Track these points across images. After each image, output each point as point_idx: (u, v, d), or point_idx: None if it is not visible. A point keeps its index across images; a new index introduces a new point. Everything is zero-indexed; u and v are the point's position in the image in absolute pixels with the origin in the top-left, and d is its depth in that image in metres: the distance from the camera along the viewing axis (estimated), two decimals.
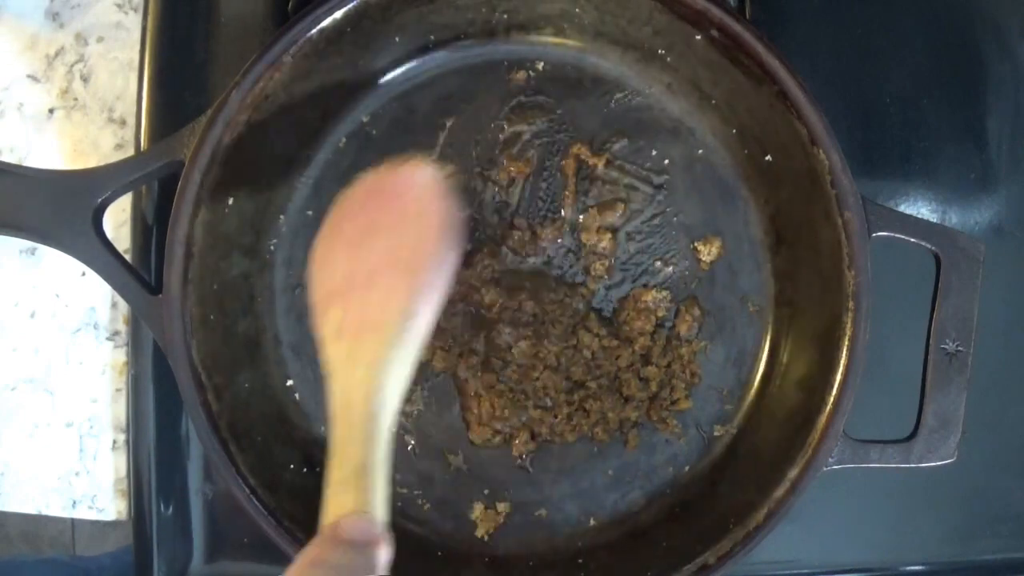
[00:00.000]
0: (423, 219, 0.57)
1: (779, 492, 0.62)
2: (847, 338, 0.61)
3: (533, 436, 0.70)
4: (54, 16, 0.73)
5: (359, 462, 0.51)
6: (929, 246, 0.62)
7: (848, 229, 0.61)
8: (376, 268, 0.55)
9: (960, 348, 0.61)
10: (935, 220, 0.74)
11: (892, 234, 0.62)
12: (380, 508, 0.50)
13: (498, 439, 0.70)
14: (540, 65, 0.70)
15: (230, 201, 0.65)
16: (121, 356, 0.73)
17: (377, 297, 0.54)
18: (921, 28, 0.75)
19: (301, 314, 0.70)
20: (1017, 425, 0.75)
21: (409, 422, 0.70)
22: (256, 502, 0.62)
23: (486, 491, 0.70)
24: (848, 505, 0.73)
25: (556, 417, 0.69)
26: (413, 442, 0.70)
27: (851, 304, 0.61)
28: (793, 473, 0.62)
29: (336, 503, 0.51)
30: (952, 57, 0.75)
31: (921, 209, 0.74)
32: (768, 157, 0.67)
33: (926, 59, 0.75)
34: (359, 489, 0.51)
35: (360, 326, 0.54)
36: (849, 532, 0.74)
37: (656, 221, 0.70)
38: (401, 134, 0.70)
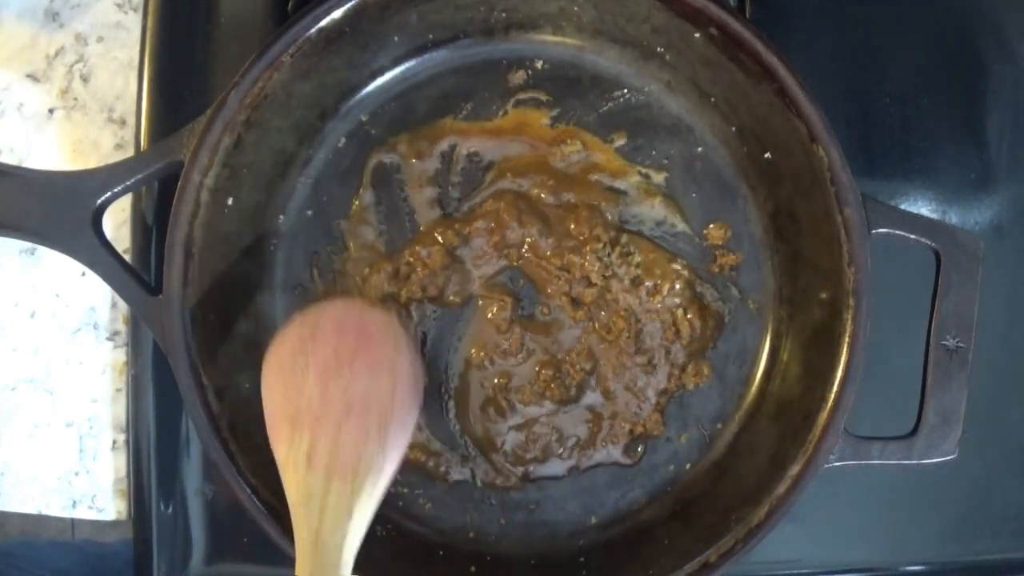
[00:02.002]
0: (396, 370, 0.58)
1: (780, 489, 0.62)
2: (847, 335, 0.61)
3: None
4: (54, 16, 0.73)
5: None
6: (929, 243, 0.61)
7: (848, 226, 0.61)
8: (349, 407, 0.56)
9: (960, 344, 0.61)
10: (935, 219, 0.74)
11: (892, 231, 0.62)
12: None
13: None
14: (539, 64, 0.70)
15: (230, 201, 0.65)
16: (121, 356, 0.72)
17: (350, 439, 0.55)
18: (921, 28, 0.75)
19: None
20: (1017, 425, 0.75)
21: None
22: (257, 502, 0.62)
23: (487, 490, 0.70)
24: (848, 505, 0.73)
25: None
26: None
27: (851, 301, 0.61)
28: (794, 470, 0.62)
29: None
30: (952, 57, 0.75)
31: (921, 209, 0.74)
32: (767, 155, 0.67)
33: (926, 59, 0.75)
34: None
35: (331, 465, 0.54)
36: (849, 532, 0.74)
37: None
38: (400, 133, 0.70)
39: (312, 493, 0.54)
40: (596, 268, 0.69)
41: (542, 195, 0.70)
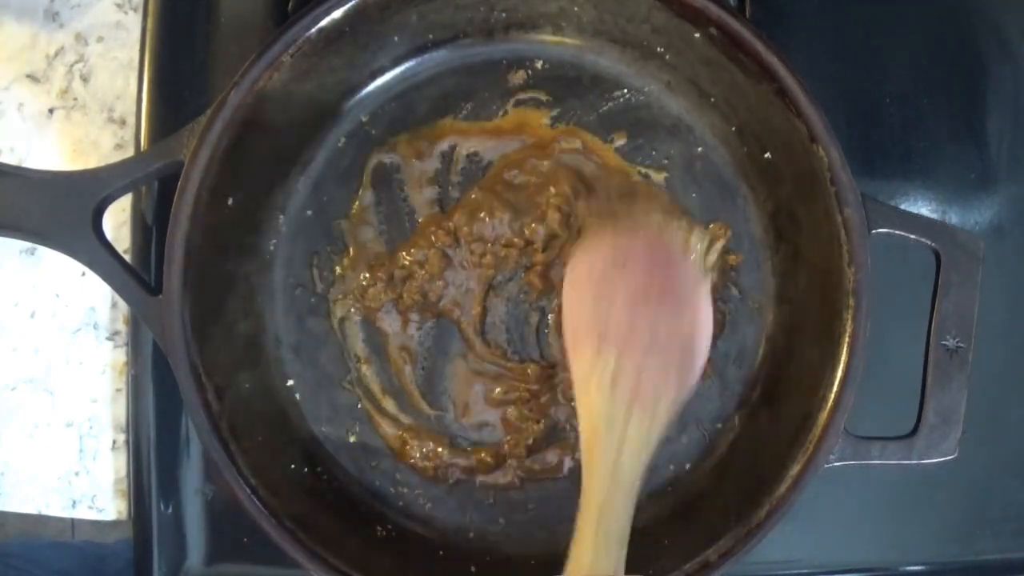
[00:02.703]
0: (697, 314, 0.58)
1: (780, 489, 0.62)
2: (847, 335, 0.61)
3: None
4: (54, 16, 0.73)
5: (619, 532, 0.53)
6: (929, 243, 0.61)
7: (848, 226, 0.61)
8: (656, 340, 0.56)
9: (960, 344, 0.61)
10: (935, 219, 0.74)
11: (892, 231, 0.62)
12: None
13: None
14: (539, 64, 0.70)
15: (230, 201, 0.65)
16: (121, 356, 0.72)
17: (654, 371, 0.55)
18: (921, 28, 0.75)
19: (301, 314, 0.70)
20: (1017, 425, 0.75)
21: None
22: (257, 502, 0.62)
23: (488, 490, 0.70)
24: (848, 505, 0.73)
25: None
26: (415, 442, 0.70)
27: (851, 301, 0.61)
28: (794, 470, 0.62)
29: (588, 567, 0.52)
30: (952, 57, 0.75)
31: (921, 209, 0.74)
32: (767, 155, 0.67)
33: (926, 59, 0.75)
34: (616, 560, 0.52)
35: (636, 393, 0.54)
36: (849, 532, 0.74)
37: None
38: (400, 133, 0.70)
39: (614, 418, 0.54)
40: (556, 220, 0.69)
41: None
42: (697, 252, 0.60)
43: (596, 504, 0.52)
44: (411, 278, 0.69)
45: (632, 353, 0.55)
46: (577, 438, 0.69)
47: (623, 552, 0.52)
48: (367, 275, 0.69)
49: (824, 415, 0.61)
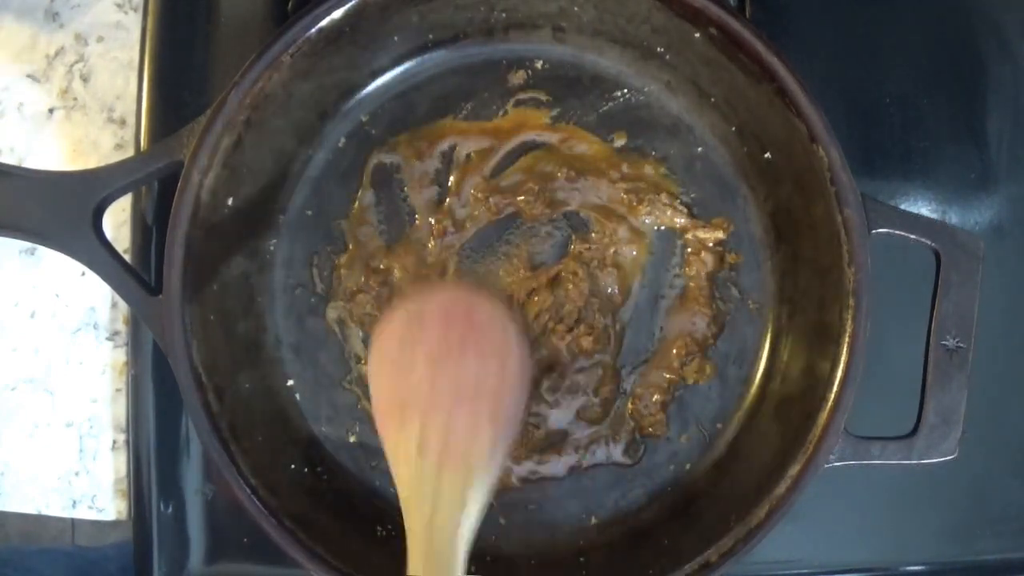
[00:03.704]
0: (505, 358, 0.57)
1: (780, 489, 0.62)
2: (847, 335, 0.61)
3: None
4: (54, 16, 0.73)
5: None
6: (929, 243, 0.61)
7: (848, 226, 0.61)
8: (461, 392, 0.55)
9: (960, 344, 0.61)
10: (935, 219, 0.74)
11: (892, 231, 0.62)
12: None
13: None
14: (539, 64, 0.70)
15: (230, 201, 0.65)
16: (121, 356, 0.73)
17: (461, 427, 0.54)
18: (921, 28, 0.75)
19: (301, 314, 0.70)
20: (1017, 425, 0.75)
21: None
22: (257, 502, 0.62)
23: None
24: (848, 505, 0.73)
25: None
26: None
27: (851, 301, 0.61)
28: (794, 470, 0.61)
29: None
30: (952, 57, 0.75)
31: (921, 209, 0.74)
32: (767, 155, 0.67)
33: (926, 59, 0.75)
34: None
35: (445, 454, 0.53)
36: (849, 532, 0.74)
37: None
38: (400, 133, 0.70)
39: (424, 483, 0.53)
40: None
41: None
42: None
43: (420, 570, 0.51)
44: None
45: (436, 415, 0.54)
46: (578, 437, 0.70)
47: None
48: (363, 278, 0.69)
49: (824, 415, 0.61)
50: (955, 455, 0.61)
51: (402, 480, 0.54)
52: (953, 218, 0.74)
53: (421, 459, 0.53)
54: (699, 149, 0.70)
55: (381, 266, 0.70)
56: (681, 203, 0.70)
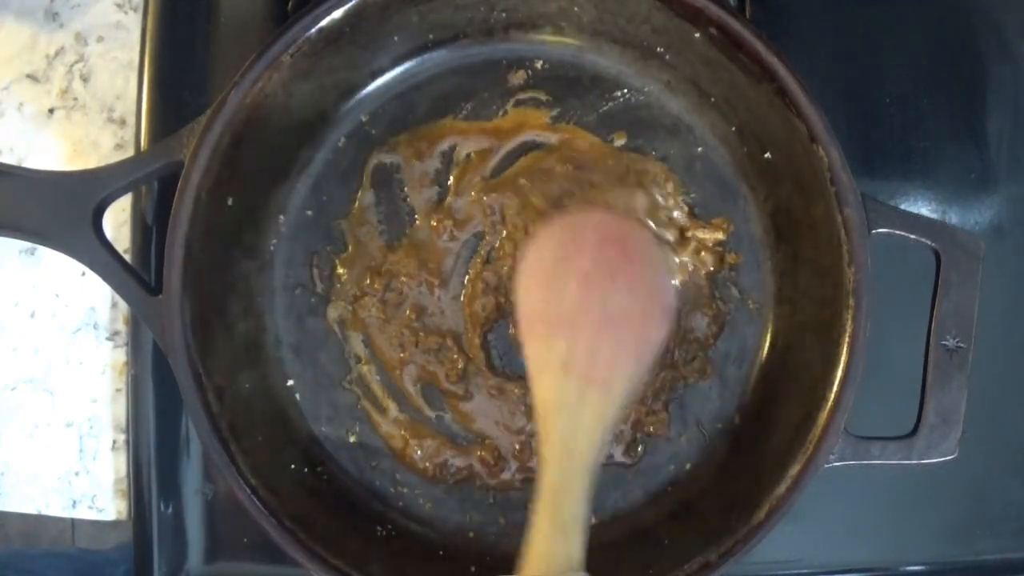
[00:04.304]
0: (653, 291, 0.57)
1: (780, 489, 0.62)
2: (847, 335, 0.61)
3: None
4: (54, 16, 0.73)
5: (577, 515, 0.51)
6: (929, 243, 0.61)
7: (848, 226, 0.61)
8: (609, 317, 0.54)
9: (960, 344, 0.61)
10: (935, 219, 0.74)
11: (892, 231, 0.62)
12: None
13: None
14: (539, 64, 0.70)
15: (230, 201, 0.65)
16: (121, 356, 0.72)
17: (608, 348, 0.54)
18: (921, 28, 0.75)
19: (301, 314, 0.70)
20: (1017, 425, 0.75)
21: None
22: (257, 502, 0.62)
23: (488, 490, 0.70)
24: (848, 505, 0.73)
25: None
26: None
27: (851, 301, 0.61)
28: (794, 470, 0.61)
29: (546, 553, 0.51)
30: (952, 57, 0.75)
31: (921, 209, 0.74)
32: (767, 154, 0.67)
33: (926, 59, 0.75)
34: (575, 545, 0.51)
35: (589, 373, 0.53)
36: (849, 532, 0.74)
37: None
38: (400, 133, 0.70)
39: (566, 401, 0.52)
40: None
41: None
42: (661, 210, 0.59)
43: (551, 489, 0.51)
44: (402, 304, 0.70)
45: (583, 333, 0.54)
46: None
47: (582, 537, 0.51)
48: (367, 280, 0.69)
49: (824, 415, 0.61)
50: (955, 455, 0.62)
51: (544, 391, 0.54)
52: (953, 218, 0.74)
53: (565, 375, 0.53)
54: (699, 149, 0.70)
55: (383, 268, 0.70)
56: (679, 201, 0.70)
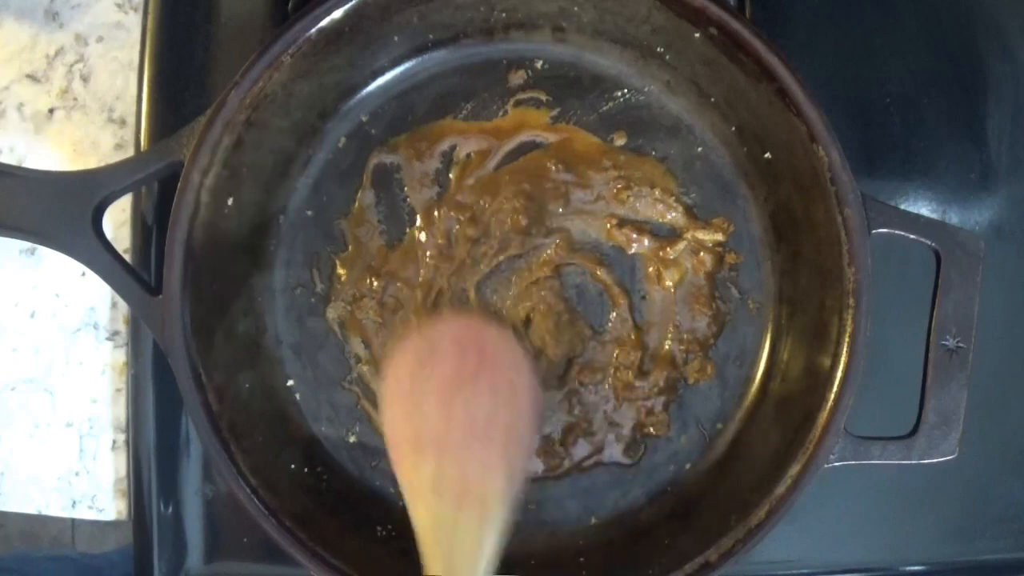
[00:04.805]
0: (517, 391, 0.56)
1: (780, 489, 0.62)
2: (848, 335, 0.61)
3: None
4: (54, 16, 0.73)
5: None
6: (929, 242, 0.61)
7: (848, 226, 0.60)
8: (473, 431, 0.54)
9: (961, 344, 0.61)
10: (935, 219, 0.73)
11: (892, 231, 0.61)
12: None
13: None
14: (539, 64, 0.70)
15: (230, 201, 0.65)
16: (121, 356, 0.73)
17: (476, 464, 0.53)
18: (921, 28, 0.75)
19: (301, 314, 0.70)
20: (1017, 425, 0.75)
21: None
22: (258, 502, 0.62)
23: None
24: (848, 505, 0.73)
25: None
26: None
27: (851, 301, 0.61)
28: (794, 470, 0.61)
29: None
30: (952, 57, 0.75)
31: (921, 209, 0.74)
32: (767, 154, 0.67)
33: (926, 59, 0.75)
34: None
35: (461, 492, 0.52)
36: (849, 532, 0.74)
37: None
38: (400, 133, 0.70)
39: (442, 524, 0.52)
40: None
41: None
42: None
43: None
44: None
45: (451, 451, 0.53)
46: (579, 438, 0.70)
47: None
48: (367, 280, 0.70)
49: (824, 415, 0.61)
50: (955, 455, 0.61)
51: (419, 519, 0.53)
52: (953, 218, 0.74)
53: (438, 498, 0.52)
54: (699, 149, 0.70)
55: (383, 270, 0.70)
56: (676, 200, 0.70)
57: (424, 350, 0.57)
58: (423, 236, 0.70)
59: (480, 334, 0.59)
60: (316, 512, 0.65)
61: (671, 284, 0.70)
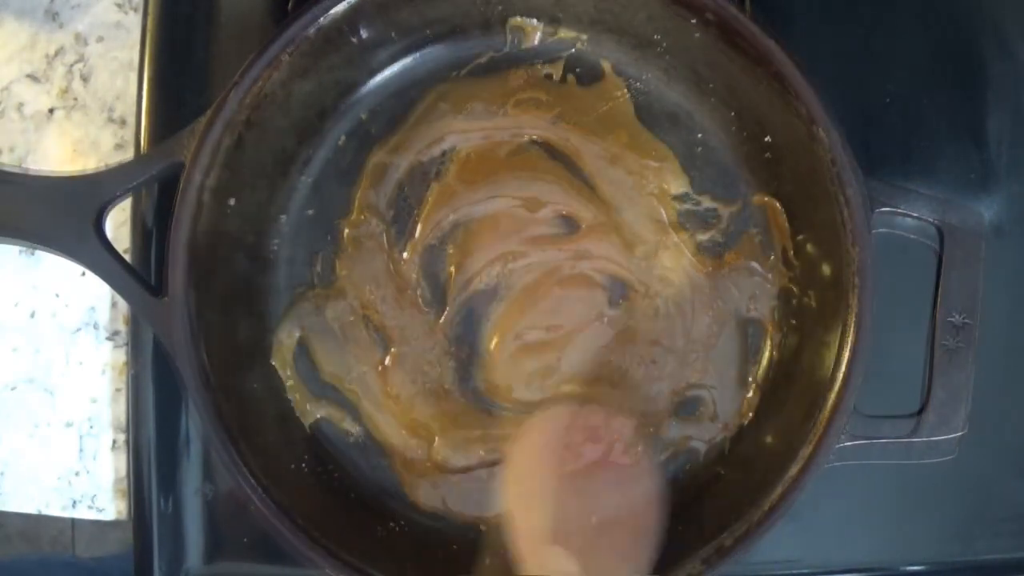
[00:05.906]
0: (638, 483, 0.57)
1: (780, 489, 0.62)
2: (853, 315, 0.61)
3: None
4: (54, 16, 0.73)
5: None
6: (931, 220, 0.62)
7: (850, 205, 0.61)
8: (604, 523, 0.54)
9: (967, 321, 0.61)
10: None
11: (894, 209, 0.62)
12: None
13: None
14: (538, 62, 0.71)
15: (231, 202, 0.65)
16: (121, 356, 0.72)
17: (608, 557, 0.54)
18: (921, 28, 0.75)
19: (302, 314, 0.70)
20: (1017, 425, 0.75)
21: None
22: (270, 502, 0.62)
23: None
24: (848, 505, 0.73)
25: None
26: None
27: (856, 280, 0.61)
28: (806, 451, 0.61)
29: None
30: (952, 57, 0.75)
31: (921, 209, 0.74)
32: (768, 138, 0.67)
33: (926, 59, 0.75)
34: None
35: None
36: (849, 532, 0.74)
37: None
38: (400, 131, 0.70)
39: None
40: None
41: None
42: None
43: None
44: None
45: (582, 547, 0.53)
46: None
47: None
48: (371, 279, 0.70)
49: (834, 394, 0.61)
50: (964, 432, 0.62)
51: None
52: (953, 218, 0.74)
53: None
54: (699, 135, 0.70)
55: (383, 270, 0.70)
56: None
57: (542, 443, 0.58)
58: (421, 234, 0.70)
59: (594, 422, 0.59)
60: (327, 510, 0.66)
61: (676, 281, 0.70)
